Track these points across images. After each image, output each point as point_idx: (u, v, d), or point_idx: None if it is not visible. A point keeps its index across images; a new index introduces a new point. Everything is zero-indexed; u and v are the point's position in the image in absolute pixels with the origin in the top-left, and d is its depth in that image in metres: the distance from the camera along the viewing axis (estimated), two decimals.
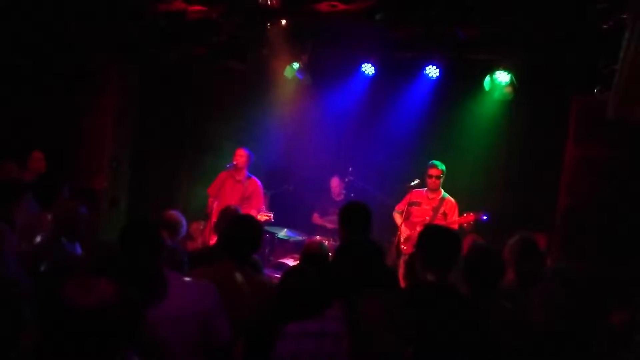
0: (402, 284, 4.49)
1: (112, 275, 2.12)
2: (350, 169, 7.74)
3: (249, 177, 7.17)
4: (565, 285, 2.10)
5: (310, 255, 4.13)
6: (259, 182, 7.21)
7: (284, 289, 3.08)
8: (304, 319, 2.56)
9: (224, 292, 3.22)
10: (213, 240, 6.20)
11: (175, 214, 5.03)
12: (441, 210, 6.57)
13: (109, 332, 1.85)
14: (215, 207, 6.98)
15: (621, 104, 4.48)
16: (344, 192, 7.92)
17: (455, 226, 6.33)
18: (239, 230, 3.45)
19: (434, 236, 3.38)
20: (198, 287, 3.06)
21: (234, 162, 7.02)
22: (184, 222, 5.01)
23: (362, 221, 3.92)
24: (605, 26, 4.76)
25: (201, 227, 7.54)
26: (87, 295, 1.82)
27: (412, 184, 6.66)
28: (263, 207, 7.27)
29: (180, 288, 2.94)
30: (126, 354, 1.97)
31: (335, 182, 8.01)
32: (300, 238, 7.46)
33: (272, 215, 7.08)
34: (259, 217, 7.00)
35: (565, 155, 6.90)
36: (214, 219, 6.45)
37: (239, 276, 3.33)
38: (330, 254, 6.58)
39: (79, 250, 4.14)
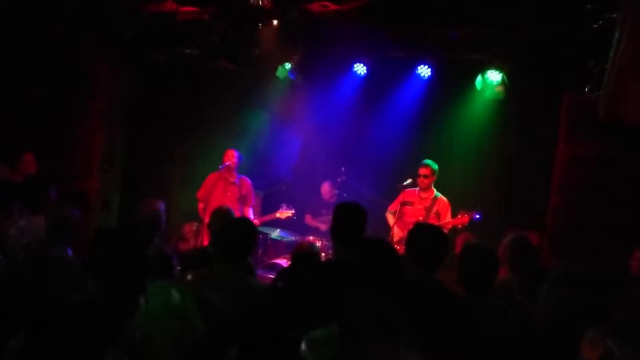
0: None
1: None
2: (343, 168, 7.73)
3: (241, 177, 7.16)
4: (574, 287, 2.11)
5: (300, 255, 4.11)
6: (250, 182, 7.22)
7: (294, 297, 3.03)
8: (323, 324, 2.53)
9: (219, 294, 3.22)
10: (206, 242, 6.19)
11: (153, 203, 4.75)
12: (434, 210, 6.57)
13: (97, 330, 1.84)
14: (209, 209, 6.95)
15: (611, 103, 4.51)
16: (336, 192, 7.90)
17: (449, 226, 6.34)
18: (235, 233, 3.45)
19: (421, 234, 3.41)
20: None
21: (227, 163, 7.00)
22: (161, 208, 4.76)
23: (357, 224, 3.92)
24: (595, 26, 4.78)
25: (194, 228, 7.51)
26: (75, 295, 1.81)
27: (404, 183, 6.66)
28: (284, 204, 7.34)
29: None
30: (117, 355, 1.96)
31: (325, 188, 8.00)
32: (293, 238, 7.45)
33: (294, 211, 7.17)
34: (277, 215, 7.12)
35: (556, 154, 6.93)
36: (206, 221, 6.44)
37: (233, 278, 3.32)
38: (323, 254, 6.59)
39: (70, 253, 4.11)
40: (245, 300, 3.23)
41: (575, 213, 6.61)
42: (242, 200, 7.04)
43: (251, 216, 7.05)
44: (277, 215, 7.20)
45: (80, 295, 1.83)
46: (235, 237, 3.42)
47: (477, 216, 6.32)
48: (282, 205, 7.30)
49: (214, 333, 3.11)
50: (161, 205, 4.69)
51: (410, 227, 4.05)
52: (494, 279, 3.33)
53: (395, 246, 6.41)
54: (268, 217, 7.35)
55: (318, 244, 6.92)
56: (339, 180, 7.75)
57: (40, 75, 7.46)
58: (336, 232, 4.00)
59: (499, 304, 3.19)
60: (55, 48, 7.31)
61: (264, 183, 8.15)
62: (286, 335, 2.51)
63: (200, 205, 7.10)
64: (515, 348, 2.91)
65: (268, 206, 8.04)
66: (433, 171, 6.60)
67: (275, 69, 7.59)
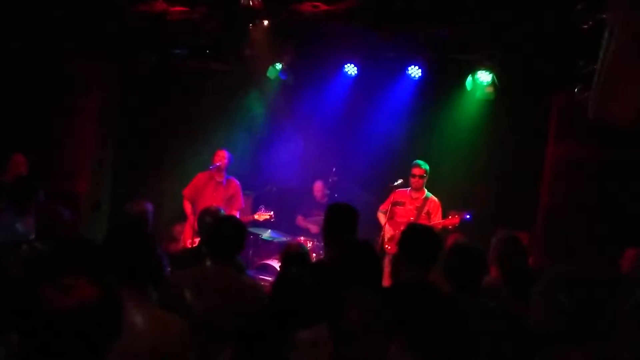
0: (387, 283, 4.49)
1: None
2: (334, 169, 7.72)
3: (228, 178, 7.13)
4: (571, 288, 2.11)
5: (289, 256, 4.10)
6: (238, 183, 7.18)
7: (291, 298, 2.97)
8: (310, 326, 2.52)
9: (210, 293, 3.21)
10: (195, 241, 6.16)
11: (140, 203, 4.65)
12: (425, 210, 6.59)
13: (91, 334, 1.82)
14: (198, 209, 6.92)
15: (601, 103, 4.52)
16: (327, 192, 7.89)
17: (440, 227, 6.36)
18: (224, 231, 3.45)
19: (414, 235, 3.42)
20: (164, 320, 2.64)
21: (217, 163, 6.96)
22: (149, 209, 4.70)
23: (349, 225, 3.93)
24: (585, 26, 4.80)
25: (184, 228, 7.49)
26: (66, 299, 1.78)
27: (396, 183, 6.68)
28: (262, 206, 7.28)
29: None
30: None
31: (318, 186, 7.98)
32: (284, 239, 7.42)
33: (273, 213, 7.09)
34: (255, 217, 7.06)
35: (547, 155, 6.96)
36: (192, 220, 6.42)
37: (224, 276, 3.32)
38: (314, 254, 6.58)
39: None
40: (237, 298, 3.22)
41: (565, 213, 6.65)
42: (229, 202, 6.99)
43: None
44: (256, 217, 7.13)
45: (69, 298, 1.80)
46: (225, 235, 3.42)
47: (468, 217, 6.34)
48: (261, 207, 7.25)
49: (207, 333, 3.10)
50: (149, 206, 4.65)
51: (402, 226, 4.06)
52: (481, 278, 3.34)
53: (386, 245, 6.46)
54: (246, 219, 7.30)
55: (309, 244, 6.91)
56: (330, 180, 7.74)
57: (30, 76, 7.42)
58: (328, 233, 3.99)
59: (487, 303, 3.19)
60: (46, 48, 7.26)
61: (254, 183, 8.13)
62: (272, 336, 2.50)
63: (186, 203, 7.03)
64: (504, 347, 2.92)
65: (259, 207, 8.02)
66: (425, 171, 6.63)
67: (266, 69, 7.58)
